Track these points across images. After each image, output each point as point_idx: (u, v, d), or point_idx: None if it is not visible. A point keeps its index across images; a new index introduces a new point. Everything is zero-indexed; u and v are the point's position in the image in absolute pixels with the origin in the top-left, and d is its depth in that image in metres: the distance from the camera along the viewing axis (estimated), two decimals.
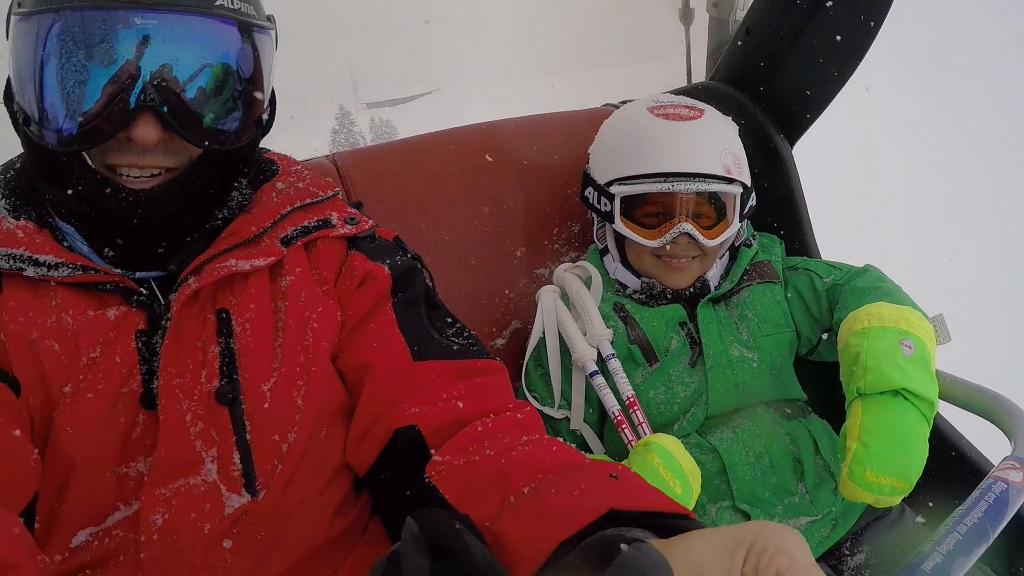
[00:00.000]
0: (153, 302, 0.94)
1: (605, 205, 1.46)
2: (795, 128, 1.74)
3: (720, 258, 1.52)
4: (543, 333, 1.47)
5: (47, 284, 0.90)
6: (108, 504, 0.88)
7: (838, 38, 1.55)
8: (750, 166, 1.50)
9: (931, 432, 1.20)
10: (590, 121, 1.64)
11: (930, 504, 1.44)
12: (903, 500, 1.21)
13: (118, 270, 0.94)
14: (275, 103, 1.05)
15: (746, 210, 1.46)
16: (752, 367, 1.44)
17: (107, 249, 0.94)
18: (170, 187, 0.91)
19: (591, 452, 1.46)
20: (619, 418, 1.36)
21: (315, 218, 1.05)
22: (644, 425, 1.36)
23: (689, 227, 1.38)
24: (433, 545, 0.53)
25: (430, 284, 1.13)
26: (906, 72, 5.00)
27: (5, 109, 0.95)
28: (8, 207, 0.95)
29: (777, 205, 1.70)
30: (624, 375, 1.38)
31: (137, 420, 0.89)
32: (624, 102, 1.76)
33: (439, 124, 1.77)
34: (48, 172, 0.92)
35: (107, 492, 0.88)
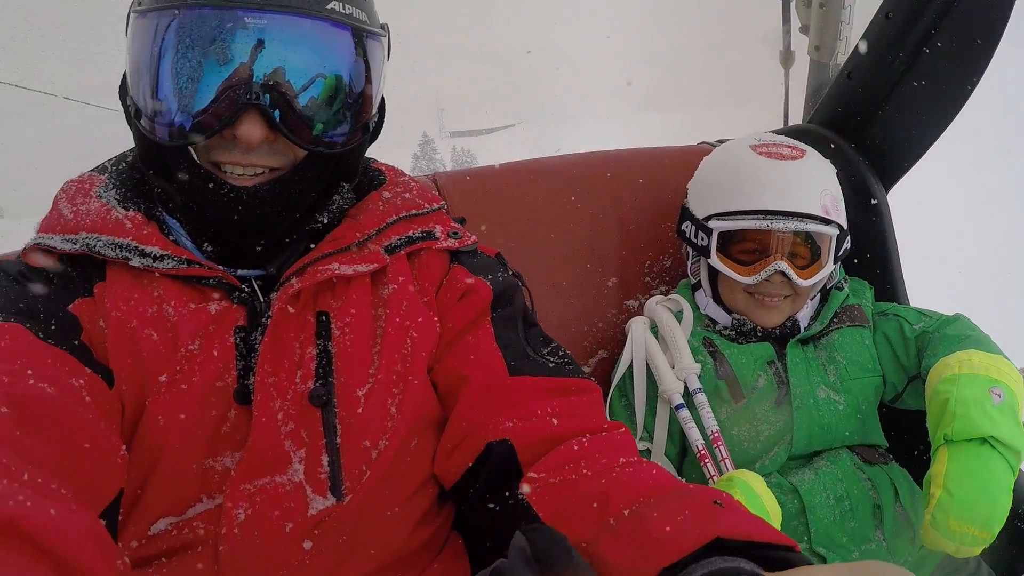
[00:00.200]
0: (254, 300, 0.95)
1: (702, 240, 1.48)
2: (891, 174, 1.73)
3: (811, 299, 1.52)
4: (631, 363, 1.49)
5: (151, 275, 0.92)
6: (191, 495, 0.89)
7: (938, 87, 1.56)
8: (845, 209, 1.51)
9: (1016, 483, 1.18)
10: (687, 158, 1.66)
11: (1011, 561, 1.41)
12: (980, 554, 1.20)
13: (221, 267, 0.95)
14: (384, 110, 1.05)
15: (841, 252, 1.46)
16: (838, 409, 1.44)
17: (207, 244, 0.96)
18: (272, 187, 0.91)
19: None
20: (702, 452, 1.38)
21: (419, 229, 1.06)
22: (727, 461, 1.37)
23: (784, 266, 1.39)
24: (541, 561, 0.53)
25: (529, 303, 1.13)
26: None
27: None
28: (118, 197, 0.96)
29: (869, 250, 1.70)
30: (710, 409, 1.40)
31: (228, 415, 0.90)
32: (721, 141, 1.78)
33: (521, 156, 1.81)
34: (156, 165, 0.93)
35: (191, 484, 0.88)
